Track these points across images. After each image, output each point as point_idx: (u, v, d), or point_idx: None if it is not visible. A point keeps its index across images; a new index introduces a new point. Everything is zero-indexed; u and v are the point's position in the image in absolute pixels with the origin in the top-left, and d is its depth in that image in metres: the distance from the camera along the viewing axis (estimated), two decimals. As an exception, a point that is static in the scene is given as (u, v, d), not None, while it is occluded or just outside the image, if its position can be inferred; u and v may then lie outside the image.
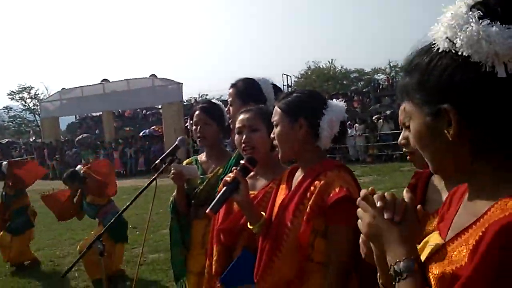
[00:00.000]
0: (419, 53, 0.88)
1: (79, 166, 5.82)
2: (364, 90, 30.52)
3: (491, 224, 0.75)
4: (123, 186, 13.96)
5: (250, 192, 1.89)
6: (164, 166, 2.57)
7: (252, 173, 1.97)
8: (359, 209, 0.98)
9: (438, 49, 0.83)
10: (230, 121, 2.52)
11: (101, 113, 25.92)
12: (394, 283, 0.90)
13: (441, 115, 0.83)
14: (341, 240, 1.61)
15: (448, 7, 0.84)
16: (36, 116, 39.96)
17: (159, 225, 7.46)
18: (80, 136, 25.61)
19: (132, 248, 6.67)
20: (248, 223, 1.83)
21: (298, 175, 1.81)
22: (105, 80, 25.26)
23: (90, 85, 24.35)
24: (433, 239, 0.96)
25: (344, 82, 40.33)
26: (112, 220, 2.77)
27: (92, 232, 5.48)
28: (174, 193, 2.64)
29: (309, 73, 41.66)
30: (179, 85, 22.02)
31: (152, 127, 25.39)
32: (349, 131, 16.40)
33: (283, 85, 23.73)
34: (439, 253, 0.88)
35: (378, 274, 1.05)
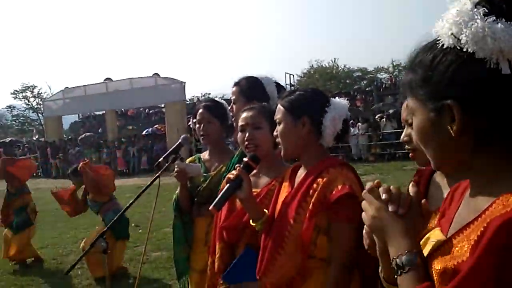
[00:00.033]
0: (422, 49, 0.89)
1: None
2: (367, 89, 30.48)
3: (493, 220, 0.75)
4: (126, 185, 14.01)
5: (253, 190, 1.89)
6: (167, 164, 2.58)
7: (254, 171, 1.97)
8: (364, 202, 0.99)
9: (443, 45, 0.83)
10: (233, 119, 2.53)
11: (104, 112, 26.00)
12: (396, 276, 0.90)
13: (445, 111, 0.83)
14: (343, 237, 1.62)
15: (453, 3, 0.84)
16: (39, 115, 40.03)
17: (162, 224, 7.47)
18: (83, 135, 25.66)
19: (135, 246, 6.70)
20: (251, 220, 1.84)
21: (301, 173, 1.81)
22: (108, 79, 25.31)
23: (93, 84, 24.40)
24: (435, 235, 0.96)
25: (347, 81, 40.24)
26: (114, 219, 2.77)
27: (97, 228, 5.48)
28: (177, 191, 2.65)
29: (312, 72, 41.61)
30: (182, 84, 22.04)
31: (155, 126, 25.46)
32: (352, 130, 16.38)
33: (286, 84, 23.69)
34: (441, 248, 0.89)
35: (380, 267, 1.05)
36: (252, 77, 2.52)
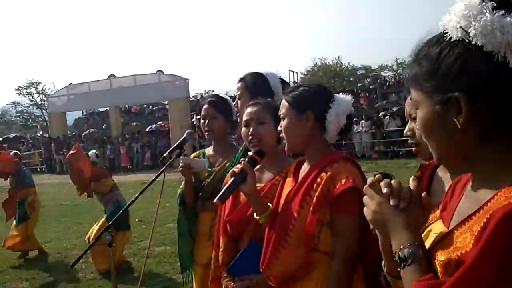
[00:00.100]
0: (427, 43, 0.89)
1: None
2: (370, 87, 30.45)
3: (496, 211, 0.76)
4: (130, 181, 14.07)
5: (257, 185, 1.91)
6: (172, 158, 2.60)
7: (258, 166, 1.98)
8: (365, 196, 0.99)
9: (450, 38, 0.84)
10: (237, 114, 2.54)
11: (108, 108, 26.03)
12: (399, 269, 0.91)
13: (452, 104, 0.84)
14: (346, 231, 1.63)
15: None
16: (44, 111, 40.15)
17: (166, 219, 7.51)
18: (87, 131, 25.77)
19: (139, 241, 6.75)
20: (255, 214, 1.85)
21: (305, 167, 1.82)
22: (112, 75, 25.34)
23: (97, 81, 24.47)
24: (437, 228, 0.97)
25: (351, 79, 40.16)
26: (117, 215, 2.79)
27: (102, 219, 5.50)
28: (182, 186, 2.67)
29: (316, 69, 41.53)
30: (186, 81, 22.04)
31: (159, 123, 25.51)
32: (356, 127, 16.37)
33: (290, 82, 23.62)
34: (443, 240, 0.89)
35: (383, 261, 1.06)
36: (257, 73, 2.52)
